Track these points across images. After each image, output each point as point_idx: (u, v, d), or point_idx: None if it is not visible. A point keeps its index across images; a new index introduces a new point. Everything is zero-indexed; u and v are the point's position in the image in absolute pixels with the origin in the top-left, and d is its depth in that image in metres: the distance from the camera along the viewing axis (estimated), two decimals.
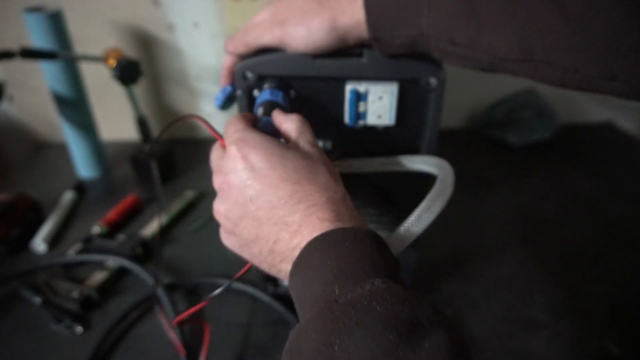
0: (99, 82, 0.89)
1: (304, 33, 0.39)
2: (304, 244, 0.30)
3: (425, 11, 0.36)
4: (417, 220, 0.37)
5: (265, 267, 0.35)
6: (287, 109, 0.42)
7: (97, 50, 0.83)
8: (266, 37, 0.41)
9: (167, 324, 0.55)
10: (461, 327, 0.56)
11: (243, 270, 0.38)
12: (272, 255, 0.33)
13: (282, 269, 0.33)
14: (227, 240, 0.37)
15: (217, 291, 0.39)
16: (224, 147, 0.36)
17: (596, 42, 0.30)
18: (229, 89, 0.47)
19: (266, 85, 0.44)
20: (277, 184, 0.32)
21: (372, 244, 0.30)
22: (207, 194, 0.81)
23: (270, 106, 0.41)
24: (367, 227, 0.32)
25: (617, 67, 0.30)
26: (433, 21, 0.35)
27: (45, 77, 0.78)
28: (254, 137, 0.34)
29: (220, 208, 0.35)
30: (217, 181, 0.36)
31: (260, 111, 0.41)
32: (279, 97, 0.42)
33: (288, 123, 0.37)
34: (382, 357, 0.23)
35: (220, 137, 0.37)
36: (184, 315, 0.44)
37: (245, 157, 0.33)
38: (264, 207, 0.32)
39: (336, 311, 0.26)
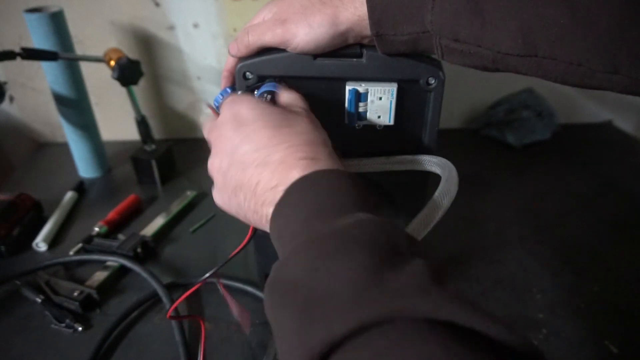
0: (100, 82, 0.89)
1: (305, 30, 0.40)
2: (283, 183, 0.32)
3: (429, 7, 0.36)
4: (424, 221, 0.37)
5: (250, 216, 0.36)
6: None
7: (97, 50, 0.83)
8: (267, 36, 0.41)
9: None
10: None
11: (244, 243, 0.40)
12: (254, 199, 0.34)
13: (264, 214, 0.34)
14: (219, 196, 0.38)
15: (212, 271, 0.42)
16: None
17: (601, 35, 0.30)
18: (228, 91, 0.48)
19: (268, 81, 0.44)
20: (260, 129, 0.35)
21: (348, 182, 0.32)
22: (207, 194, 0.81)
23: (273, 95, 0.41)
24: (344, 170, 0.33)
25: (620, 60, 0.30)
26: (438, 17, 0.36)
27: (46, 77, 0.78)
28: (243, 97, 0.38)
29: (213, 161, 0.38)
30: (211, 138, 0.39)
31: (268, 98, 0.41)
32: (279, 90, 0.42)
33: (287, 93, 0.40)
34: (365, 278, 0.24)
35: (215, 111, 0.42)
36: (179, 301, 0.47)
37: (234, 112, 0.37)
38: (248, 151, 0.35)
39: (318, 240, 0.27)
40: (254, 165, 0.34)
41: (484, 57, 0.36)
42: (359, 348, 0.22)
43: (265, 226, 0.34)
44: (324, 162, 0.33)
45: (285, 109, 0.38)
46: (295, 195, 0.31)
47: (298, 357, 0.23)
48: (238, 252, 0.41)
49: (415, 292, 0.23)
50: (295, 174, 0.32)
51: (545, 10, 0.32)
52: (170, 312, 0.50)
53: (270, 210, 0.32)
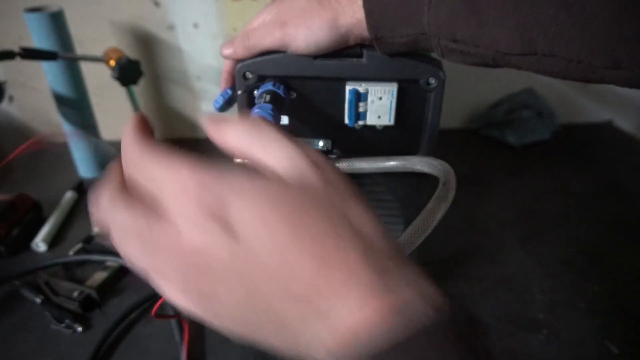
0: (99, 82, 0.89)
1: (305, 33, 0.39)
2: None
3: (425, 9, 0.36)
4: (422, 226, 0.37)
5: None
6: (287, 102, 0.43)
7: (97, 50, 0.83)
8: (267, 39, 0.41)
9: None
10: None
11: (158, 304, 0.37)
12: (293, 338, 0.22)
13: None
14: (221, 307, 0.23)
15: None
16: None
17: (599, 32, 0.30)
18: (229, 92, 0.48)
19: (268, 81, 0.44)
20: (292, 268, 0.20)
21: (454, 335, 0.20)
22: None
23: (274, 95, 0.41)
24: (436, 295, 0.21)
25: (621, 56, 0.30)
26: (434, 19, 0.36)
27: (45, 77, 0.78)
28: (236, 176, 0.21)
29: (225, 252, 0.21)
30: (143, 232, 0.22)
31: (267, 98, 0.41)
32: (280, 89, 0.42)
33: (283, 149, 0.23)
34: None
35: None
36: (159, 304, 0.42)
37: (222, 215, 0.20)
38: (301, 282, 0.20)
39: None
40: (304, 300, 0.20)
41: (484, 56, 0.36)
42: None
43: None
44: (394, 287, 0.21)
45: (317, 184, 0.22)
46: None
47: None
48: None
49: None
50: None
51: (542, 9, 0.32)
52: (156, 310, 0.46)
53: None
